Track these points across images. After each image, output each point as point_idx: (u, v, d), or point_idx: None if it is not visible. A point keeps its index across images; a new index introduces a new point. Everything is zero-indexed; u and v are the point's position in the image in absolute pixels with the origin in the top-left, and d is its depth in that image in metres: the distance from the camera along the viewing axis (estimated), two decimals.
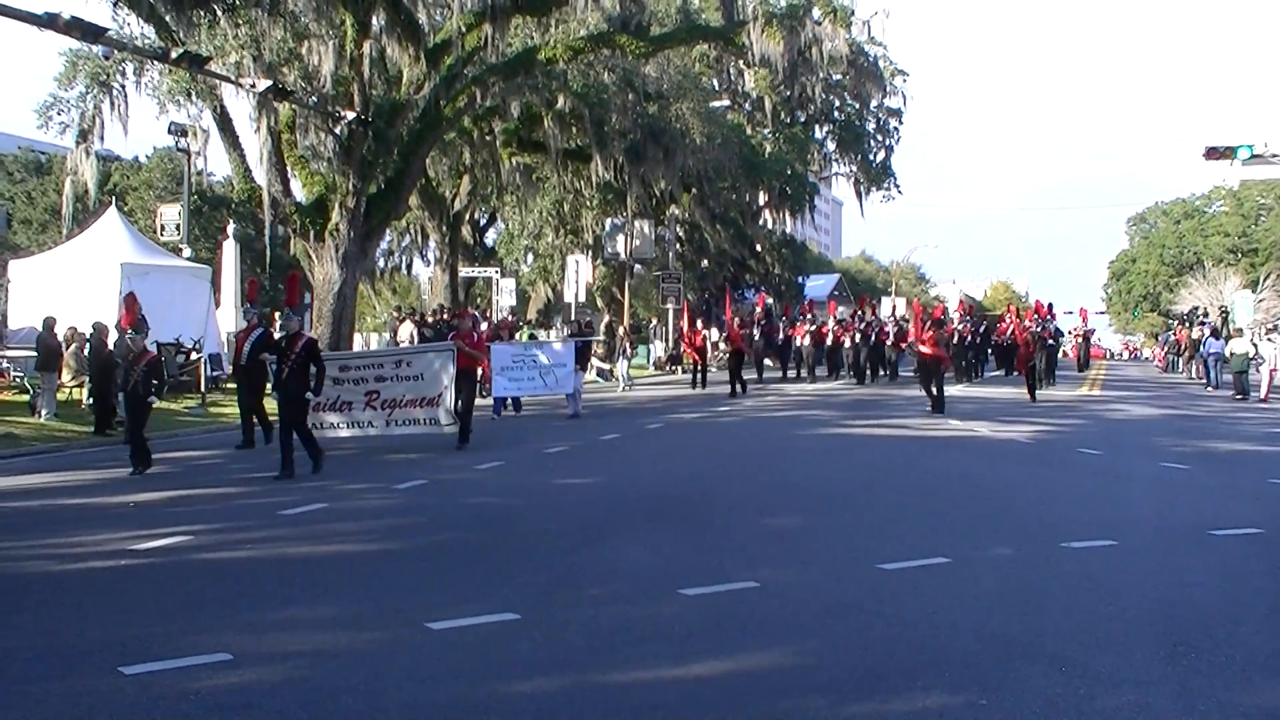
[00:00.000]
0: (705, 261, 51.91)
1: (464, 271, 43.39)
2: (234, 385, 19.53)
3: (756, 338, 36.54)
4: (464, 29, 26.69)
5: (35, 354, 20.50)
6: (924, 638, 6.86)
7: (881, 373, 36.77)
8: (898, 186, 54.86)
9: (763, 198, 50.26)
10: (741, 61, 38.42)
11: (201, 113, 27.45)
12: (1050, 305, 37.98)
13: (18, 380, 22.84)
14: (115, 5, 23.45)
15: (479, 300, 49.64)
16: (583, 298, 44.03)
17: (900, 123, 55.05)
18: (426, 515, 11.45)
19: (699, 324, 35.76)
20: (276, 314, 18.68)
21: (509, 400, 23.55)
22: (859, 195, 53.96)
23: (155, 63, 24.52)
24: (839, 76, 44.79)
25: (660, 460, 16.46)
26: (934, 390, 23.53)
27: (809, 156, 51.22)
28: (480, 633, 6.89)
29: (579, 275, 41.85)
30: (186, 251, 30.48)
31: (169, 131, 28.57)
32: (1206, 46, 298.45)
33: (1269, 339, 32.53)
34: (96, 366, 18.93)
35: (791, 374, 38.12)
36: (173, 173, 54.51)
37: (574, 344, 23.59)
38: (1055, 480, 14.16)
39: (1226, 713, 5.67)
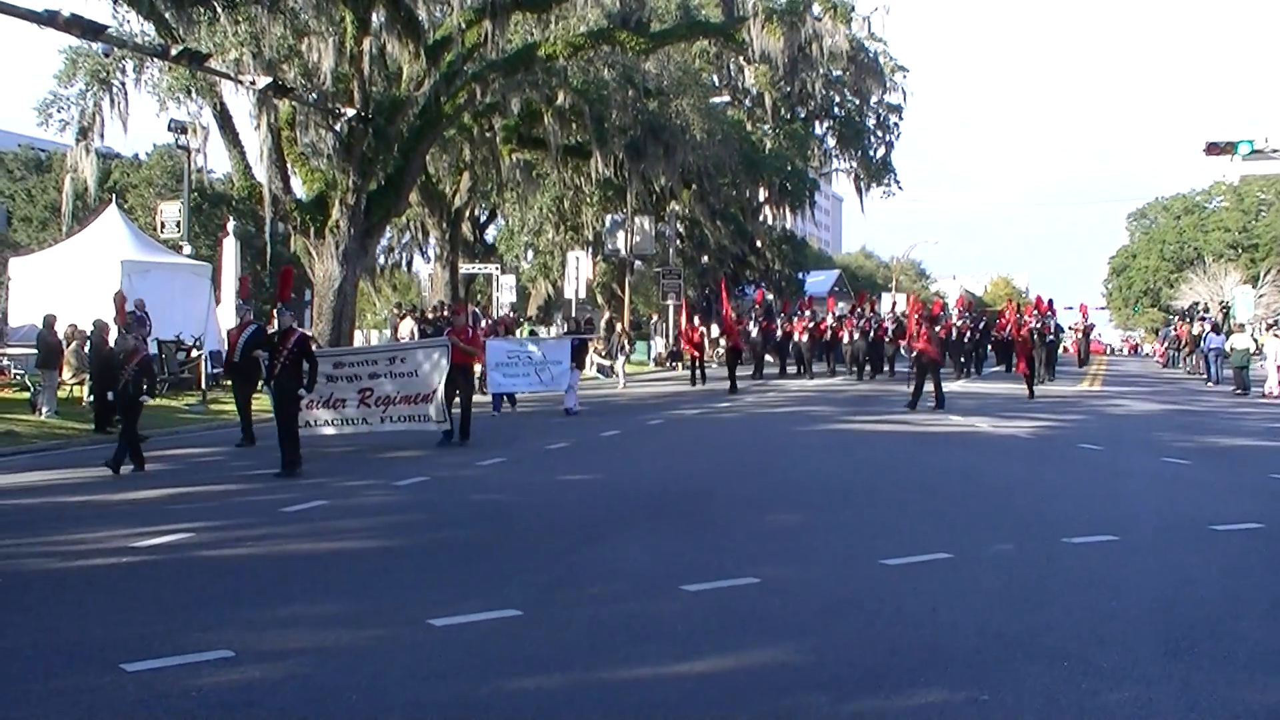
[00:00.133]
0: (705, 258, 51.91)
1: (464, 268, 43.37)
2: (230, 383, 19.37)
3: (754, 334, 36.51)
4: (464, 25, 26.69)
5: (36, 352, 20.49)
6: (926, 634, 6.86)
7: (884, 369, 36.73)
8: (898, 183, 54.93)
9: (763, 194, 50.23)
10: (742, 57, 38.32)
11: (201, 110, 27.45)
12: (1050, 301, 37.97)
13: (18, 378, 22.84)
14: (115, 2, 23.48)
15: (479, 297, 49.63)
16: (583, 294, 44.05)
17: (900, 119, 55.08)
18: (428, 512, 11.44)
19: (697, 320, 35.71)
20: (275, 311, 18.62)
21: (505, 396, 23.48)
22: (859, 191, 53.98)
23: (155, 60, 24.52)
24: (839, 72, 44.84)
25: (661, 457, 16.46)
26: (923, 388, 23.41)
27: (809, 152, 51.21)
28: (482, 630, 6.89)
29: (579, 272, 41.87)
30: (187, 249, 30.43)
31: (169, 129, 28.51)
32: (1207, 43, 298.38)
33: (1276, 334, 32.49)
34: (97, 364, 18.92)
35: (791, 370, 38.07)
36: (173, 170, 54.50)
37: (570, 341, 23.49)
38: (1056, 476, 14.16)
39: (1229, 708, 5.67)
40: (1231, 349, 32.31)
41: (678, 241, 49.60)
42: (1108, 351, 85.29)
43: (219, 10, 22.89)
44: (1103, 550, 9.37)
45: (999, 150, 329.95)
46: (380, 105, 26.79)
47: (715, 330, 41.11)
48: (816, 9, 31.07)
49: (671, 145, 36.42)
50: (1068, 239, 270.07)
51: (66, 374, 21.49)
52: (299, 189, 28.47)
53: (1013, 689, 5.85)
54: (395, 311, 36.63)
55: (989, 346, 41.45)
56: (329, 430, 16.58)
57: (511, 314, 38.30)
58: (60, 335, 20.89)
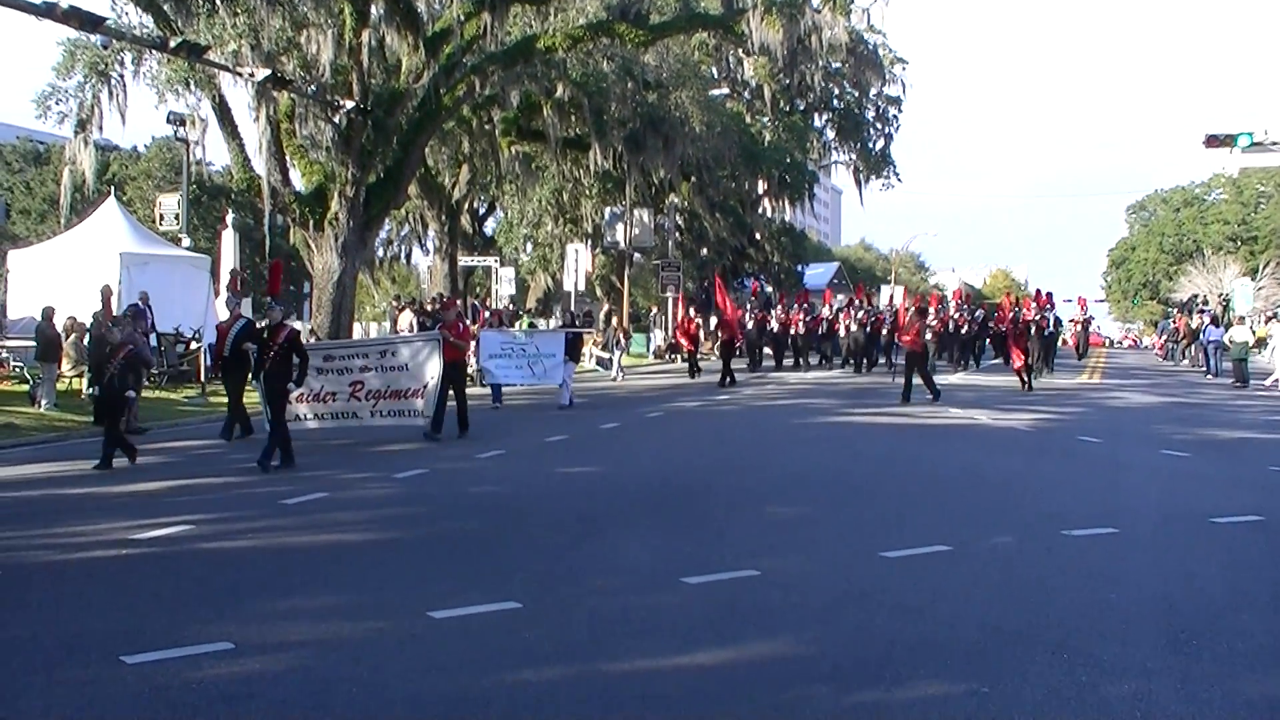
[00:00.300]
0: (705, 250, 51.88)
1: (463, 261, 43.34)
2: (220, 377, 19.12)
3: (749, 325, 36.46)
4: (463, 17, 26.62)
5: (35, 344, 20.47)
6: (926, 627, 6.86)
7: (880, 361, 36.69)
8: (897, 175, 54.78)
9: (762, 186, 50.15)
10: (741, 50, 38.19)
11: (200, 102, 27.37)
12: (1050, 294, 37.98)
13: (17, 370, 22.82)
14: None
15: (478, 289, 49.61)
16: (582, 287, 44.04)
17: (900, 111, 54.91)
18: (428, 505, 11.45)
19: (693, 312, 35.64)
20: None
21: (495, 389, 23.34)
22: (858, 184, 53.87)
23: (153, 52, 24.44)
24: (838, 65, 44.62)
25: (661, 449, 16.46)
26: (912, 381, 23.35)
27: (808, 145, 51.11)
28: (482, 622, 6.89)
29: (578, 264, 41.85)
30: (185, 241, 30.44)
31: (168, 121, 28.47)
32: (1209, 35, 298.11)
33: None
34: (96, 357, 18.88)
35: (788, 363, 38.03)
36: (171, 162, 54.48)
37: (564, 335, 23.33)
38: (1056, 469, 14.16)
39: (1229, 701, 5.67)
40: (1231, 341, 32.33)
41: (677, 234, 49.57)
42: (1106, 344, 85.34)
43: (217, 2, 22.84)
44: (1102, 543, 9.38)
45: (999, 142, 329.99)
46: (379, 97, 26.74)
47: (714, 323, 41.11)
48: (816, 1, 30.99)
49: (671, 138, 36.35)
50: (1068, 231, 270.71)
51: (65, 366, 21.48)
52: (298, 181, 28.43)
53: (1013, 681, 5.86)
54: (394, 304, 36.64)
55: (987, 340, 41.46)
56: (312, 424, 16.46)
57: (510, 306, 38.29)
58: (59, 328, 20.86)
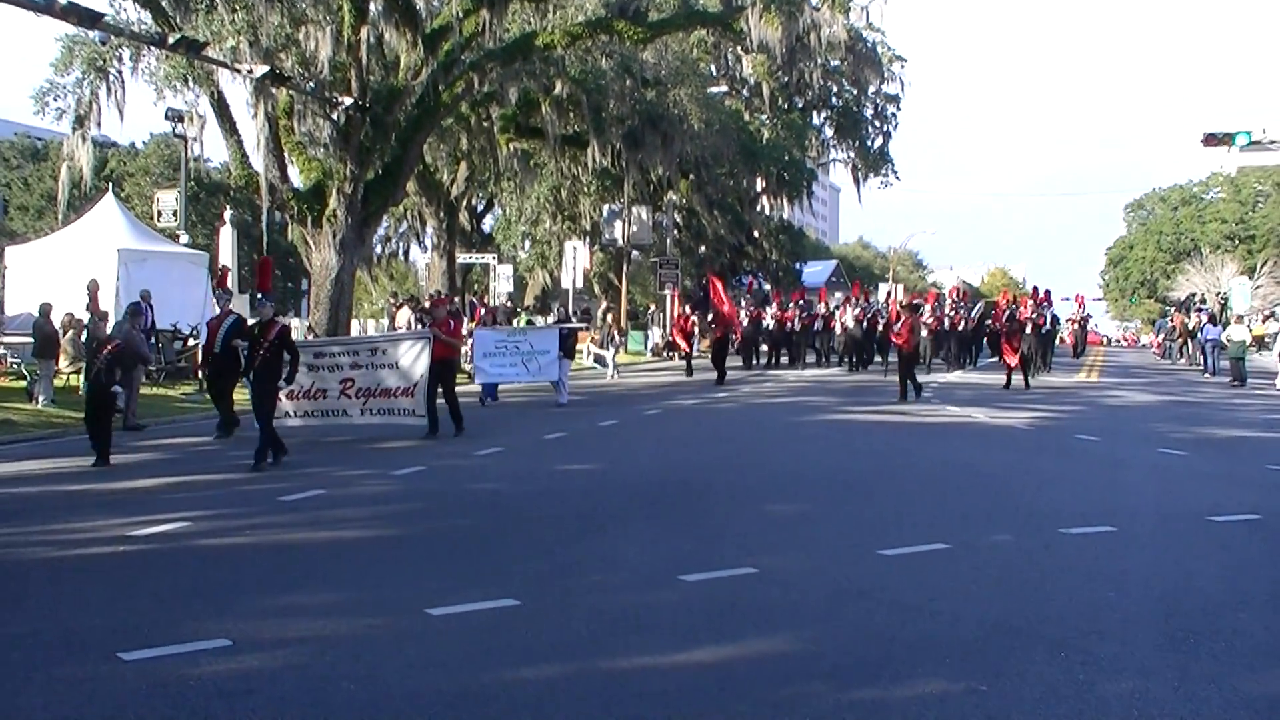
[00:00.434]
0: (703, 248, 51.88)
1: (461, 258, 43.33)
2: (204, 374, 18.95)
3: (745, 323, 36.39)
4: (462, 14, 26.59)
5: (32, 340, 20.45)
6: (925, 624, 6.86)
7: (877, 359, 36.65)
8: (895, 173, 54.84)
9: (760, 184, 50.18)
10: (739, 47, 38.23)
11: (198, 98, 27.35)
12: (1048, 292, 37.97)
13: (15, 367, 22.80)
14: None
15: (476, 286, 49.62)
16: (580, 284, 44.03)
17: (898, 109, 54.99)
18: (426, 502, 11.44)
19: (688, 309, 35.58)
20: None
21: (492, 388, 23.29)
22: (856, 181, 53.94)
23: (152, 48, 24.42)
24: (837, 62, 44.70)
25: (659, 447, 16.45)
26: (906, 378, 23.39)
27: (807, 142, 51.15)
28: (481, 619, 6.89)
29: (576, 262, 41.82)
30: (184, 238, 30.43)
31: (166, 117, 28.47)
32: (1208, 34, 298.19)
33: None
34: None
35: (784, 360, 37.97)
36: (170, 159, 54.53)
37: (558, 331, 23.22)
38: (1054, 467, 14.17)
39: (1227, 699, 5.67)
40: (1229, 340, 32.35)
41: (675, 231, 49.56)
42: (1105, 343, 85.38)
43: None
44: (1101, 541, 9.38)
45: (998, 141, 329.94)
46: (378, 94, 26.72)
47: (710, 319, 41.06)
48: None
49: (669, 135, 36.35)
50: (1066, 230, 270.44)
51: (63, 363, 21.47)
52: (296, 178, 28.40)
53: (1011, 678, 5.86)
54: (392, 301, 36.65)
55: (985, 338, 41.43)
56: (294, 422, 16.29)
57: (508, 303, 38.27)
58: (57, 324, 20.85)
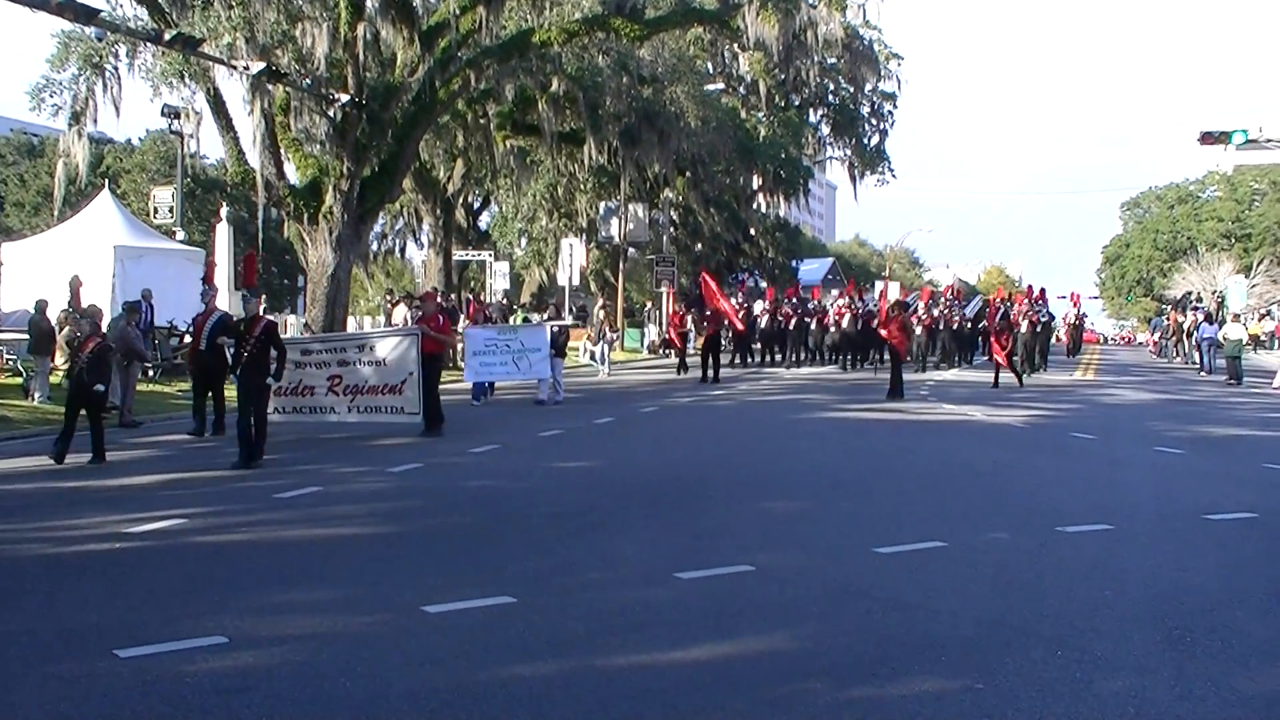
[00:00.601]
0: (699, 245, 51.88)
1: (458, 255, 43.29)
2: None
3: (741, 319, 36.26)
4: (459, 11, 26.57)
5: (28, 337, 20.43)
6: (921, 622, 6.86)
7: (875, 357, 36.62)
8: (892, 171, 54.82)
9: (757, 181, 50.19)
10: (736, 45, 38.26)
11: (195, 95, 27.27)
12: (1042, 290, 38.00)
13: (11, 363, 22.77)
14: None
15: (473, 283, 49.59)
16: (576, 281, 44.02)
17: (895, 107, 54.94)
18: (422, 499, 11.43)
19: (681, 308, 35.53)
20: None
21: (487, 385, 23.25)
22: (853, 179, 53.84)
23: (148, 44, 24.36)
24: (834, 60, 44.63)
25: (656, 444, 16.45)
26: (894, 377, 23.38)
27: (803, 140, 51.12)
28: (477, 617, 6.89)
29: (573, 259, 41.83)
30: (180, 234, 30.38)
31: (162, 114, 28.43)
32: (1206, 32, 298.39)
33: None
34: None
35: (777, 358, 37.93)
36: (166, 155, 54.50)
37: (548, 329, 23.07)
38: (1050, 465, 14.18)
39: (1223, 697, 5.68)
40: (1225, 338, 32.39)
41: (671, 229, 49.55)
42: (1101, 341, 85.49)
43: None
44: (1097, 539, 9.39)
45: (994, 139, 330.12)
46: (374, 91, 26.69)
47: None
48: None
49: (666, 132, 36.33)
50: (1063, 228, 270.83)
51: (59, 359, 21.43)
52: (293, 175, 28.37)
53: (1008, 676, 5.86)
54: (388, 298, 36.62)
55: (980, 336, 41.43)
56: (277, 417, 16.00)
57: (504, 300, 38.26)
58: (53, 321, 20.81)
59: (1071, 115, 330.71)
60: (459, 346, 23.10)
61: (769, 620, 6.94)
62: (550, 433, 17.20)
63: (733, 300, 36.26)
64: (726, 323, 32.34)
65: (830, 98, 53.58)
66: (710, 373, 28.17)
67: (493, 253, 45.03)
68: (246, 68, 22.99)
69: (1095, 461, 14.65)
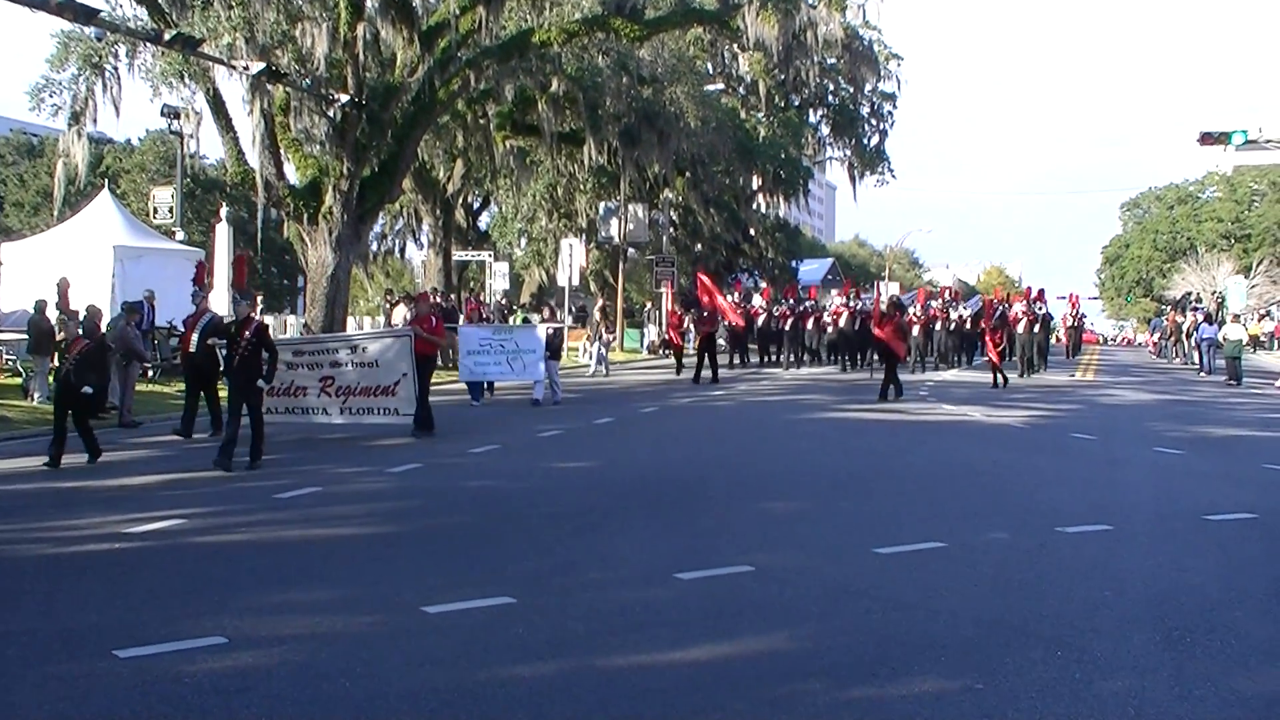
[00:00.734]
0: (699, 245, 51.86)
1: (457, 255, 43.28)
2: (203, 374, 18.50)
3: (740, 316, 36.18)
4: (458, 11, 26.57)
5: (27, 337, 20.43)
6: (921, 622, 6.86)
7: (871, 357, 36.50)
8: (892, 171, 54.77)
9: (756, 182, 50.15)
10: (736, 45, 38.25)
11: (194, 95, 27.26)
12: (1040, 291, 37.99)
13: (10, 363, 22.77)
14: None
15: (473, 284, 49.60)
16: (576, 282, 43.97)
17: (895, 107, 54.87)
18: (421, 499, 11.44)
19: (679, 308, 35.51)
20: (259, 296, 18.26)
21: (485, 385, 23.21)
22: (852, 180, 53.78)
23: (148, 45, 24.35)
24: (834, 60, 44.61)
25: (655, 444, 16.45)
26: (888, 378, 23.36)
27: (803, 140, 51.09)
28: (477, 617, 6.89)
29: (572, 259, 41.77)
30: (179, 234, 30.38)
31: (162, 114, 28.42)
32: (1207, 32, 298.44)
33: None
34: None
35: (772, 358, 37.90)
36: (165, 155, 54.51)
37: (546, 329, 23.01)
38: (1050, 465, 14.18)
39: (1222, 698, 5.68)
40: (1225, 339, 32.39)
41: (671, 229, 49.55)
42: (1101, 341, 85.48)
43: None
44: (1097, 540, 9.39)
45: (994, 139, 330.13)
46: (374, 91, 26.68)
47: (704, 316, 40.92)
48: None
49: (665, 133, 36.32)
50: (1063, 228, 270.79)
51: (59, 360, 21.42)
52: (292, 175, 28.38)
53: (1007, 676, 5.87)
54: (388, 298, 36.61)
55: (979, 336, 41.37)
56: (269, 417, 16.08)
57: (504, 300, 38.24)
58: (53, 321, 20.81)
59: (1071, 115, 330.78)
60: (456, 346, 23.03)
61: (769, 620, 6.94)
62: (550, 433, 17.20)
63: (730, 298, 36.27)
64: (724, 321, 32.30)
65: (830, 98, 53.56)
66: (706, 373, 28.05)
67: (492, 253, 45.01)
68: (246, 68, 22.99)
69: (1095, 462, 14.65)
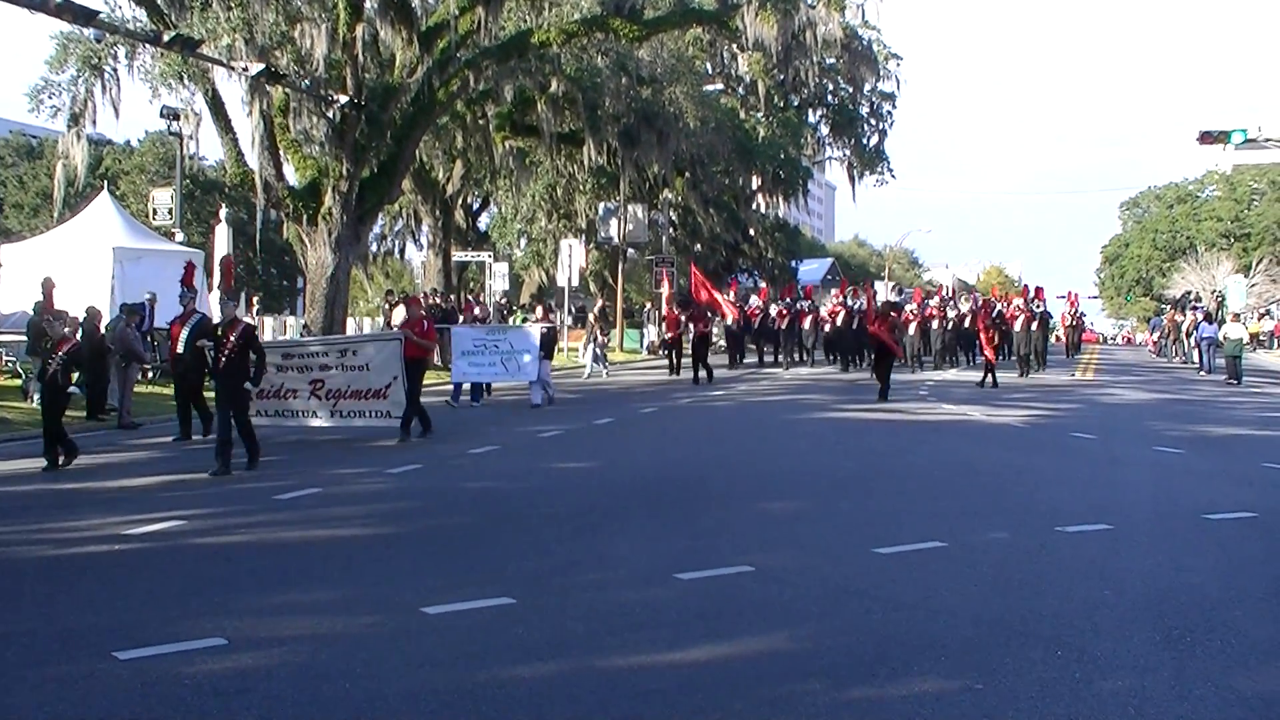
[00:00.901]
0: (699, 246, 51.84)
1: (457, 256, 43.28)
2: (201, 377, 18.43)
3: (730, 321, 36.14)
4: (458, 12, 26.59)
5: (27, 338, 20.42)
6: (921, 622, 6.86)
7: (869, 356, 36.42)
8: (891, 171, 54.74)
9: (756, 182, 50.14)
10: (735, 45, 38.27)
11: (194, 96, 27.27)
12: (1039, 289, 37.97)
13: (10, 365, 22.76)
14: None
15: (472, 284, 49.61)
16: (576, 282, 43.97)
17: (894, 107, 54.82)
18: (421, 500, 11.43)
19: (675, 308, 35.48)
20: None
21: (484, 386, 23.18)
22: (852, 180, 53.75)
23: (147, 46, 24.37)
24: (833, 60, 44.65)
25: (655, 445, 16.45)
26: (883, 378, 23.36)
27: (802, 140, 51.07)
28: (476, 618, 6.88)
29: (572, 260, 41.76)
30: (179, 235, 30.36)
31: (161, 115, 28.39)
32: (1207, 31, 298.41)
33: None
34: (89, 351, 18.82)
35: (768, 358, 37.85)
36: (165, 156, 54.52)
37: (537, 331, 22.97)
38: (1050, 465, 14.17)
39: (1222, 697, 5.67)
40: (1225, 338, 32.38)
41: (671, 229, 49.53)
42: (1100, 341, 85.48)
43: None
44: (1097, 539, 9.38)
45: (994, 138, 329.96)
46: (373, 92, 26.70)
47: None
48: None
49: (665, 133, 36.35)
50: (1062, 227, 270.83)
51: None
52: (292, 176, 28.39)
53: (1007, 676, 5.86)
54: (387, 299, 36.61)
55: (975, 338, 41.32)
56: (259, 420, 15.98)
57: (503, 301, 38.22)
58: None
59: (1071, 115, 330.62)
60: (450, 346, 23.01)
61: (768, 620, 6.93)
62: (549, 433, 17.20)
63: (727, 297, 36.24)
64: (718, 318, 32.23)
65: (829, 98, 53.54)
66: (702, 374, 27.98)
67: (492, 254, 45.00)
68: (245, 69, 23.00)
69: (1095, 461, 14.64)
